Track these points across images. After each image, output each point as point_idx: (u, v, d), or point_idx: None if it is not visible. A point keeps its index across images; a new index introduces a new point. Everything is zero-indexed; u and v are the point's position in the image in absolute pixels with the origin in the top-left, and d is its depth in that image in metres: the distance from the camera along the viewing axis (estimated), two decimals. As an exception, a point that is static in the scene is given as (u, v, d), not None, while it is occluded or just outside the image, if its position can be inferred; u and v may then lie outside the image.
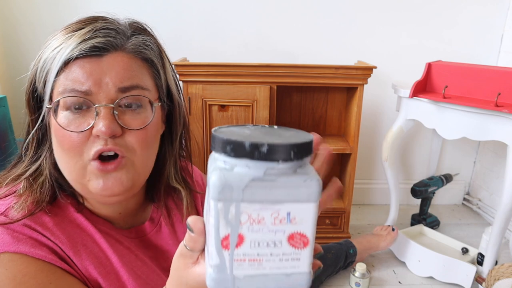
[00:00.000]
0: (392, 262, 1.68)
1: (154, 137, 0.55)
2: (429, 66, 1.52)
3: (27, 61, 0.54)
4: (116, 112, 0.49)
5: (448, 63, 1.53)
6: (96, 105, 0.48)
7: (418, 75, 1.55)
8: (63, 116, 0.49)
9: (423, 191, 1.80)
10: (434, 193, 1.90)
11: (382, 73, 1.89)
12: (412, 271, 1.61)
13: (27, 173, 0.53)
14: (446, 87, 1.44)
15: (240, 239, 0.30)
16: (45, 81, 0.50)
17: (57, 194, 0.55)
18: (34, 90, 0.52)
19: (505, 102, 1.33)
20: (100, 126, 0.48)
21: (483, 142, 2.12)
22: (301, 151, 0.29)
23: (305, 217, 0.30)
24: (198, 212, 0.69)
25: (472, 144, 2.16)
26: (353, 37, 1.94)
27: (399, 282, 1.56)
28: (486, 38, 1.96)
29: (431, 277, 1.56)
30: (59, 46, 0.49)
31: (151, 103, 0.53)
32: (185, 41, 1.90)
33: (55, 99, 0.49)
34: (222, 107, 1.57)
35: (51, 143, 0.54)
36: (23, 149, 0.56)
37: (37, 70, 0.51)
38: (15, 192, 0.53)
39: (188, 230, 0.34)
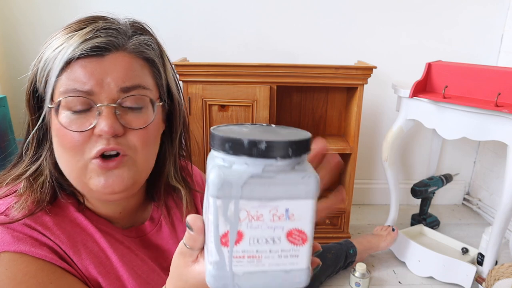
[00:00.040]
0: (392, 262, 1.68)
1: (155, 136, 0.55)
2: (429, 66, 1.52)
3: (27, 61, 0.54)
4: (118, 112, 0.50)
5: (448, 63, 1.53)
6: (98, 105, 0.49)
7: (418, 75, 1.55)
8: (64, 116, 0.49)
9: (423, 191, 1.80)
10: (434, 193, 1.90)
11: (382, 73, 1.89)
12: (412, 271, 1.61)
13: (27, 173, 0.53)
14: (446, 87, 1.44)
15: (239, 236, 0.30)
16: (46, 81, 0.50)
17: (57, 193, 0.55)
18: (34, 90, 0.52)
19: (505, 102, 1.33)
20: (103, 125, 0.48)
21: (483, 142, 2.12)
22: (299, 148, 0.29)
23: (303, 213, 0.30)
24: (198, 211, 0.70)
25: (472, 144, 2.16)
26: (353, 37, 1.94)
27: (399, 282, 1.56)
28: (486, 38, 1.96)
29: (431, 277, 1.56)
30: (61, 46, 0.49)
31: (152, 103, 0.54)
32: (185, 41, 1.90)
33: (56, 99, 0.49)
34: (222, 107, 1.57)
35: (51, 142, 0.54)
36: (24, 149, 0.56)
37: (37, 70, 0.51)
38: (15, 191, 0.53)
39: (187, 228, 0.34)
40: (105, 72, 0.49)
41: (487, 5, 1.91)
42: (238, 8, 1.88)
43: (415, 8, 1.90)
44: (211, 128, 0.32)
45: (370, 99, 1.97)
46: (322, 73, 1.55)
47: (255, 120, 1.58)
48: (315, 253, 0.37)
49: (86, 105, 0.49)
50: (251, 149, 0.28)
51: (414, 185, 1.82)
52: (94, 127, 0.49)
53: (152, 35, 0.56)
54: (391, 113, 1.99)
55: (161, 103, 0.56)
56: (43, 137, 0.54)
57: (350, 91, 1.74)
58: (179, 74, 1.51)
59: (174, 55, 1.63)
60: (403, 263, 1.66)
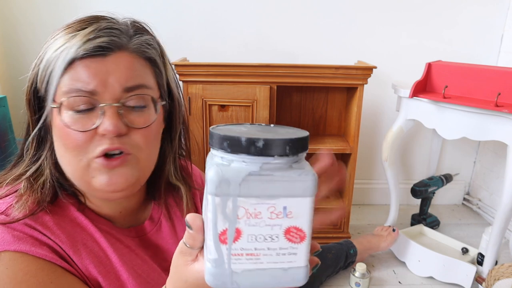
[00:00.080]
0: (392, 262, 1.68)
1: (157, 134, 0.56)
2: (429, 66, 1.52)
3: (27, 61, 0.54)
4: (121, 111, 0.50)
5: (448, 63, 1.53)
6: (102, 105, 0.49)
7: (418, 75, 1.55)
8: (67, 115, 0.49)
9: (423, 191, 1.80)
10: (434, 193, 1.90)
11: (382, 73, 1.89)
12: (412, 271, 1.61)
13: (28, 173, 0.53)
14: (446, 87, 1.44)
15: (238, 234, 0.30)
16: (48, 81, 0.50)
17: (58, 193, 0.55)
18: (35, 90, 0.52)
19: (505, 102, 1.33)
20: (107, 125, 0.48)
21: (483, 142, 2.12)
22: (296, 147, 0.30)
23: (301, 211, 0.31)
24: (198, 209, 0.70)
25: (472, 144, 2.16)
26: (353, 37, 1.94)
27: (399, 282, 1.56)
28: (486, 38, 1.96)
29: (431, 277, 1.56)
30: (63, 46, 0.49)
31: (154, 102, 0.54)
32: (185, 41, 1.91)
33: (59, 99, 0.49)
34: (222, 107, 1.57)
35: (51, 142, 0.54)
36: (24, 149, 0.56)
37: (39, 70, 0.51)
38: (15, 191, 0.53)
39: (187, 227, 0.34)
40: (108, 72, 0.49)
41: (487, 5, 1.91)
42: (238, 8, 1.88)
43: (415, 8, 1.90)
44: (210, 127, 0.32)
45: (370, 99, 1.97)
46: (322, 73, 1.55)
47: (255, 120, 1.58)
48: (314, 252, 0.37)
49: (89, 104, 0.49)
50: (248, 147, 0.29)
51: (414, 185, 1.82)
52: (97, 127, 0.49)
53: (152, 35, 0.57)
54: (391, 113, 1.99)
55: (163, 102, 0.56)
56: (44, 137, 0.54)
57: (350, 91, 1.74)
58: (179, 74, 1.51)
59: (174, 55, 1.63)
60: (403, 263, 1.66)
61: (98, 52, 0.49)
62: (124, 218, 0.62)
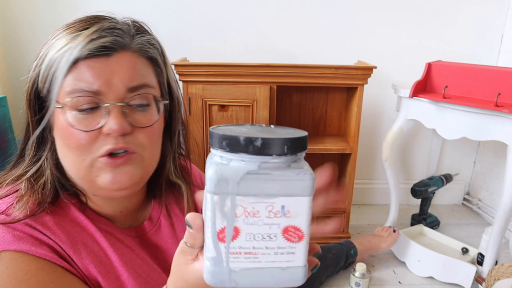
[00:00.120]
0: (392, 262, 1.68)
1: (159, 133, 0.57)
2: (429, 66, 1.52)
3: (27, 61, 0.54)
4: (126, 111, 0.50)
5: (448, 63, 1.53)
6: (107, 104, 0.49)
7: (418, 75, 1.55)
8: (71, 115, 0.49)
9: (423, 191, 1.80)
10: (434, 193, 1.90)
11: (382, 73, 1.89)
12: (412, 271, 1.61)
13: (28, 174, 0.53)
14: (446, 87, 1.44)
15: (236, 232, 0.31)
16: (52, 81, 0.50)
17: (59, 194, 0.55)
18: (36, 90, 0.52)
19: (505, 102, 1.33)
20: (112, 124, 0.49)
21: (483, 142, 2.12)
22: (294, 146, 0.30)
23: (299, 210, 0.31)
24: (197, 208, 0.70)
25: (472, 144, 2.16)
26: (353, 37, 1.94)
27: (399, 282, 1.56)
28: (486, 38, 1.96)
29: (431, 277, 1.56)
30: (66, 46, 0.49)
31: (157, 101, 0.55)
32: (185, 41, 1.91)
33: (63, 99, 0.49)
34: (222, 107, 1.57)
35: (52, 143, 0.54)
36: (23, 149, 0.56)
37: (40, 70, 0.51)
38: (16, 191, 0.53)
39: (187, 226, 0.35)
40: (112, 72, 0.49)
41: (487, 5, 1.91)
42: (238, 8, 1.88)
43: (415, 8, 1.90)
44: (211, 127, 0.33)
45: (370, 99, 1.97)
46: (322, 73, 1.55)
47: (255, 120, 1.58)
48: (314, 254, 0.37)
49: (94, 104, 0.49)
50: (247, 146, 0.29)
51: (414, 185, 1.82)
52: (102, 126, 0.49)
53: (151, 34, 0.57)
54: (391, 113, 1.99)
55: (166, 101, 0.57)
56: (44, 138, 0.54)
57: (350, 91, 1.74)
58: (179, 74, 1.51)
59: (174, 55, 1.63)
60: (403, 263, 1.66)
61: (102, 52, 0.49)
62: (125, 217, 0.62)
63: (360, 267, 1.49)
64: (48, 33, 0.53)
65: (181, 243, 0.36)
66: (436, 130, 1.53)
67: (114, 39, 0.50)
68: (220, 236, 0.31)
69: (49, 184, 0.53)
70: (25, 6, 1.83)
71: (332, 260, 1.51)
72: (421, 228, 1.81)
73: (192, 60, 1.73)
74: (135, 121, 0.51)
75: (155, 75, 0.56)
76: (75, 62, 0.48)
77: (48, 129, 0.53)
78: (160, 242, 0.64)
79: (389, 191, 1.77)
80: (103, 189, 0.52)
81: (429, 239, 1.76)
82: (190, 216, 0.34)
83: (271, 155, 0.30)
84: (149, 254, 0.62)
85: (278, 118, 1.83)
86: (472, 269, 1.44)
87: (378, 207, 2.19)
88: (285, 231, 0.31)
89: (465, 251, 1.61)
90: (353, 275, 1.50)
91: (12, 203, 0.51)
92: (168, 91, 0.59)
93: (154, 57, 0.55)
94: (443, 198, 2.23)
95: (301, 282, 0.32)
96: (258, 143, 0.29)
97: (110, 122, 0.49)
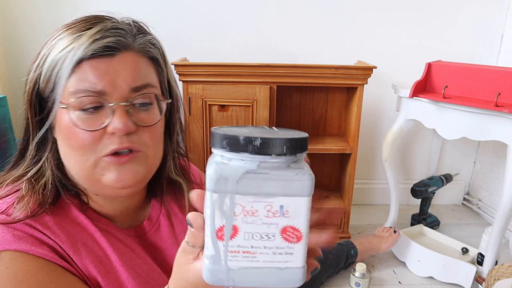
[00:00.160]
0: (392, 262, 1.68)
1: (161, 132, 0.57)
2: (429, 66, 1.52)
3: (27, 61, 0.54)
4: (130, 110, 0.51)
5: (448, 63, 1.53)
6: (111, 104, 0.49)
7: (418, 75, 1.55)
8: (75, 115, 0.49)
9: (423, 191, 1.80)
10: (434, 193, 1.90)
11: (382, 73, 1.89)
12: (412, 271, 1.61)
13: (29, 174, 0.53)
14: (446, 87, 1.44)
15: (235, 231, 0.31)
16: (55, 81, 0.50)
17: (60, 194, 0.55)
18: (38, 91, 0.52)
19: (505, 102, 1.33)
20: (116, 123, 0.49)
21: (483, 142, 2.12)
22: (294, 147, 0.30)
23: (298, 211, 0.31)
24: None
25: (472, 144, 2.16)
26: (353, 37, 1.94)
27: (399, 282, 1.56)
28: (486, 38, 1.96)
29: (431, 277, 1.56)
30: (69, 46, 0.49)
31: (158, 100, 0.55)
32: (185, 41, 1.91)
33: (67, 99, 0.49)
34: (222, 107, 1.57)
35: (53, 143, 0.54)
36: (23, 150, 0.56)
37: (42, 71, 0.51)
38: (16, 191, 0.53)
39: (188, 225, 0.35)
40: (116, 73, 0.50)
41: (487, 5, 1.91)
42: (238, 8, 1.88)
43: (415, 8, 1.90)
44: (212, 128, 0.33)
45: (370, 99, 1.96)
46: (322, 73, 1.55)
47: (255, 120, 1.58)
48: (315, 258, 0.37)
49: (98, 104, 0.50)
50: (246, 146, 0.30)
51: (414, 185, 1.82)
52: (106, 126, 0.50)
53: (152, 34, 0.57)
54: (391, 113, 1.99)
55: (169, 100, 0.58)
56: (45, 138, 0.54)
57: (350, 91, 1.74)
58: (179, 74, 1.51)
59: (174, 55, 1.63)
60: (403, 263, 1.66)
61: (105, 53, 0.49)
62: (125, 217, 0.62)
63: (360, 267, 1.49)
64: (48, 33, 0.53)
65: (183, 243, 0.37)
66: (436, 130, 1.53)
67: (117, 39, 0.50)
68: (219, 234, 0.31)
69: (49, 185, 0.53)
70: (25, 6, 1.83)
71: (333, 261, 1.51)
72: (421, 228, 1.81)
73: (192, 60, 1.73)
74: (139, 120, 0.52)
75: (156, 74, 0.56)
76: (79, 62, 0.48)
77: (49, 130, 0.53)
78: (160, 242, 0.64)
79: (389, 191, 1.77)
80: (108, 187, 0.52)
81: (429, 239, 1.76)
82: (191, 215, 0.34)
83: (270, 154, 0.30)
84: (149, 254, 0.62)
85: (278, 118, 1.83)
86: (472, 269, 1.44)
87: (378, 207, 2.19)
88: (284, 231, 0.31)
89: (465, 251, 1.61)
90: (353, 275, 1.50)
91: (13, 203, 0.51)
92: (168, 90, 0.60)
93: (156, 57, 0.56)
94: (443, 198, 2.23)
95: (299, 283, 0.32)
96: (258, 142, 0.29)
97: (115, 122, 0.49)
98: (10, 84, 1.90)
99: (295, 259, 0.32)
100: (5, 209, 0.50)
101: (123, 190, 0.53)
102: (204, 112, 1.56)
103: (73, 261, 0.52)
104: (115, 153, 0.51)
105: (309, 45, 1.94)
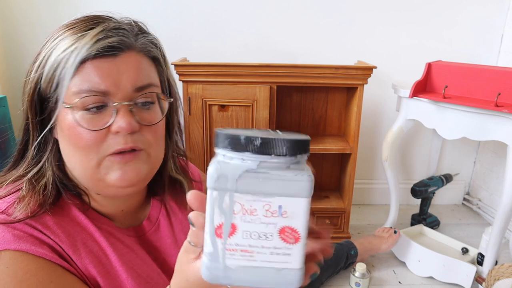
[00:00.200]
0: (392, 262, 1.68)
1: (163, 130, 0.58)
2: (429, 66, 1.52)
3: (27, 61, 0.54)
4: (133, 109, 0.51)
5: (448, 63, 1.53)
6: (115, 104, 0.50)
7: (418, 75, 1.55)
8: (79, 115, 0.49)
9: (423, 191, 1.80)
10: (434, 193, 1.90)
11: (382, 73, 1.89)
12: (412, 271, 1.61)
13: (29, 175, 0.53)
14: (446, 87, 1.44)
15: (233, 229, 0.31)
16: (58, 82, 0.50)
17: (60, 194, 0.55)
18: (39, 91, 0.52)
19: (505, 102, 1.33)
20: (121, 122, 0.49)
21: (483, 142, 2.12)
22: (294, 147, 0.31)
23: (296, 211, 0.31)
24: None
25: (472, 144, 2.16)
26: (353, 37, 1.94)
27: (399, 282, 1.56)
28: (486, 38, 1.96)
29: (431, 277, 1.56)
30: (72, 46, 0.49)
31: (160, 99, 0.56)
32: (185, 41, 1.91)
33: (70, 99, 0.49)
34: (222, 107, 1.57)
35: (53, 143, 0.54)
36: (23, 150, 0.56)
37: (43, 71, 0.51)
38: (16, 191, 0.53)
39: (190, 225, 0.35)
40: (120, 72, 0.50)
41: (487, 5, 1.91)
42: (238, 8, 1.88)
43: (415, 8, 1.90)
44: (216, 129, 0.33)
45: (370, 99, 1.96)
46: (322, 73, 1.55)
47: (255, 120, 1.58)
48: (315, 262, 0.37)
49: (101, 104, 0.50)
50: (247, 145, 0.30)
51: (414, 185, 1.82)
52: (110, 125, 0.50)
53: (152, 34, 0.57)
54: (391, 113, 1.99)
55: (171, 99, 0.58)
56: (46, 139, 0.54)
57: (350, 91, 1.74)
58: (179, 74, 1.51)
59: (174, 55, 1.63)
60: (403, 263, 1.66)
61: (109, 53, 0.49)
62: (125, 217, 0.62)
63: (360, 267, 1.49)
64: (48, 33, 0.53)
65: (185, 242, 0.37)
66: (436, 130, 1.53)
67: (120, 39, 0.50)
68: (217, 232, 0.31)
69: (50, 185, 0.53)
70: (25, 6, 1.83)
71: (333, 261, 1.51)
72: (421, 228, 1.81)
73: (192, 60, 1.73)
74: (142, 119, 0.52)
75: (157, 74, 0.57)
76: (82, 62, 0.48)
77: (50, 130, 0.53)
78: (159, 241, 0.64)
79: (389, 191, 1.77)
80: (112, 186, 0.52)
81: (429, 239, 1.76)
82: (193, 215, 0.35)
83: (270, 154, 0.30)
84: (148, 254, 0.62)
85: (278, 118, 1.83)
86: (472, 269, 1.44)
87: (378, 207, 2.19)
88: (282, 231, 0.31)
89: (465, 251, 1.61)
90: (353, 275, 1.50)
91: (13, 203, 0.51)
92: (168, 89, 0.60)
93: (157, 57, 0.56)
94: (443, 198, 2.23)
95: (296, 285, 0.32)
96: (258, 142, 0.30)
97: (119, 121, 0.50)
98: (10, 84, 1.90)
99: (292, 260, 0.32)
100: (5, 209, 0.50)
101: (126, 189, 0.53)
102: (204, 112, 1.56)
103: (72, 261, 0.52)
104: (119, 152, 0.51)
105: (309, 45, 1.94)
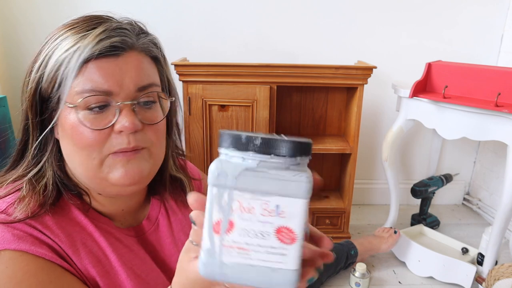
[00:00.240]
0: (392, 262, 1.68)
1: (164, 129, 0.58)
2: (429, 66, 1.52)
3: (27, 61, 0.54)
4: (136, 109, 0.52)
5: (448, 63, 1.53)
6: (119, 103, 0.50)
7: (418, 75, 1.55)
8: (81, 115, 0.50)
9: (423, 191, 1.80)
10: (434, 193, 1.90)
11: (382, 73, 1.89)
12: (412, 271, 1.61)
13: (29, 175, 0.53)
14: (446, 87, 1.44)
15: (231, 226, 0.32)
16: (61, 82, 0.50)
17: (61, 194, 0.55)
18: (40, 91, 0.52)
19: (505, 102, 1.33)
20: (124, 122, 0.50)
21: (483, 142, 2.12)
22: (293, 149, 0.31)
23: (293, 212, 0.31)
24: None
25: (472, 144, 2.16)
26: (353, 37, 1.94)
27: (399, 282, 1.56)
28: (486, 38, 1.96)
29: (431, 277, 1.56)
30: (74, 46, 0.49)
31: (161, 98, 0.56)
32: (185, 41, 1.91)
33: (73, 99, 0.49)
34: (222, 107, 1.57)
35: (54, 143, 0.54)
36: (22, 150, 0.56)
37: (45, 71, 0.50)
38: (16, 191, 0.53)
39: (192, 224, 0.35)
40: (123, 72, 0.50)
41: (487, 5, 1.91)
42: (238, 8, 1.88)
43: (415, 8, 1.90)
44: (220, 130, 0.34)
45: (370, 99, 1.97)
46: (322, 73, 1.55)
47: (255, 120, 1.58)
48: (315, 268, 0.37)
49: (103, 103, 0.50)
50: (247, 144, 0.31)
51: (414, 185, 1.82)
52: (113, 124, 0.50)
53: (152, 34, 0.58)
54: (391, 113, 1.99)
55: (173, 98, 0.59)
56: (46, 139, 0.54)
57: (350, 91, 1.74)
58: (179, 74, 1.51)
59: (174, 55, 1.63)
60: (403, 263, 1.66)
61: (111, 52, 0.50)
62: (125, 216, 0.62)
63: (360, 267, 1.49)
64: (48, 33, 0.53)
65: (187, 242, 0.37)
66: (436, 130, 1.53)
67: (122, 39, 0.51)
68: (215, 228, 0.32)
69: (50, 186, 0.53)
70: (25, 6, 1.83)
71: (333, 261, 1.51)
72: (421, 228, 1.81)
73: (192, 60, 1.73)
74: (144, 118, 0.53)
75: (158, 73, 0.57)
76: (85, 62, 0.49)
77: (50, 130, 0.53)
78: (159, 241, 0.65)
79: (389, 191, 1.77)
80: (115, 185, 0.52)
81: (429, 239, 1.76)
82: (194, 214, 0.35)
83: (269, 154, 0.31)
84: (148, 253, 0.62)
85: (278, 118, 1.84)
86: (472, 269, 1.44)
87: (378, 207, 2.19)
88: (278, 231, 0.31)
89: (465, 251, 1.61)
90: (353, 275, 1.50)
91: (13, 203, 0.51)
92: (167, 89, 0.60)
93: (157, 56, 0.57)
94: (443, 198, 2.23)
95: (290, 286, 0.32)
96: (258, 142, 0.31)
97: (122, 120, 0.50)
98: (10, 84, 1.90)
99: (288, 261, 0.32)
100: (5, 209, 0.50)
101: (129, 187, 0.53)
102: (204, 112, 1.56)
103: (72, 261, 0.52)
104: (121, 151, 0.51)
105: (309, 45, 1.94)
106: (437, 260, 1.53)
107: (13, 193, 0.53)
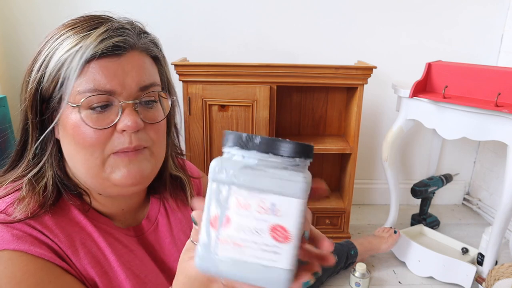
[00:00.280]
0: (392, 262, 1.68)
1: (165, 128, 0.59)
2: (429, 66, 1.52)
3: (27, 61, 0.54)
4: (138, 108, 0.52)
5: (448, 63, 1.53)
6: (122, 102, 0.50)
7: (418, 75, 1.55)
8: (84, 114, 0.50)
9: (423, 191, 1.80)
10: (434, 193, 1.90)
11: (382, 73, 1.89)
12: (412, 271, 1.61)
13: (29, 175, 0.53)
14: (446, 87, 1.44)
15: (227, 221, 0.32)
16: (63, 82, 0.50)
17: (61, 194, 0.55)
18: (41, 91, 0.52)
19: (505, 102, 1.33)
20: (127, 121, 0.50)
21: (483, 142, 2.12)
22: (292, 150, 0.32)
23: (289, 211, 0.32)
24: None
25: (472, 144, 2.16)
26: (353, 37, 1.94)
27: (399, 282, 1.56)
28: (486, 38, 1.96)
29: (431, 277, 1.56)
30: (77, 46, 0.49)
31: (163, 97, 0.57)
32: (185, 41, 1.91)
33: (76, 99, 0.49)
34: (222, 107, 1.57)
35: (54, 143, 0.54)
36: (21, 150, 0.56)
37: (46, 71, 0.50)
38: (16, 191, 0.53)
39: (193, 223, 0.36)
40: (125, 72, 0.51)
41: (487, 5, 1.91)
42: (238, 8, 1.88)
43: (415, 8, 1.90)
44: (225, 131, 0.35)
45: (370, 99, 1.96)
46: (322, 73, 1.55)
47: (255, 120, 1.58)
48: (312, 272, 0.36)
49: (106, 103, 0.50)
50: (247, 143, 0.32)
51: (414, 185, 1.82)
52: (116, 124, 0.51)
53: (152, 34, 0.58)
54: (391, 113, 1.99)
55: (173, 98, 0.59)
56: (46, 139, 0.54)
57: (350, 91, 1.74)
58: (179, 74, 1.51)
59: (174, 55, 1.63)
60: (403, 263, 1.66)
61: (114, 52, 0.50)
62: (125, 216, 0.62)
63: (360, 267, 1.49)
64: (47, 33, 0.53)
65: (188, 241, 0.38)
66: (436, 130, 1.53)
67: (124, 39, 0.51)
68: (213, 222, 0.33)
69: (50, 186, 0.53)
70: (25, 6, 1.83)
71: (334, 264, 1.51)
72: (421, 228, 1.81)
73: (192, 60, 1.73)
74: (146, 117, 0.53)
75: (158, 73, 0.57)
76: (87, 62, 0.49)
77: (51, 130, 0.53)
78: (158, 241, 0.65)
79: (389, 191, 1.77)
80: (117, 185, 0.52)
81: (429, 239, 1.76)
82: (196, 213, 0.35)
83: (267, 153, 0.32)
84: (147, 253, 0.62)
85: (278, 118, 1.84)
86: (472, 269, 1.44)
87: (378, 207, 2.19)
88: (273, 229, 0.32)
89: (465, 251, 1.61)
90: (353, 275, 1.50)
91: (12, 203, 0.51)
92: (167, 88, 0.61)
93: (157, 56, 0.57)
94: (443, 198, 2.23)
95: (282, 286, 0.32)
96: (257, 141, 0.32)
97: (125, 120, 0.50)
98: (10, 84, 1.90)
99: (281, 259, 0.32)
100: (5, 209, 0.50)
101: (130, 187, 0.53)
102: (204, 112, 1.56)
103: (71, 261, 0.52)
104: (123, 151, 0.51)
105: (309, 45, 1.94)
106: (437, 260, 1.53)
107: (12, 193, 0.53)
